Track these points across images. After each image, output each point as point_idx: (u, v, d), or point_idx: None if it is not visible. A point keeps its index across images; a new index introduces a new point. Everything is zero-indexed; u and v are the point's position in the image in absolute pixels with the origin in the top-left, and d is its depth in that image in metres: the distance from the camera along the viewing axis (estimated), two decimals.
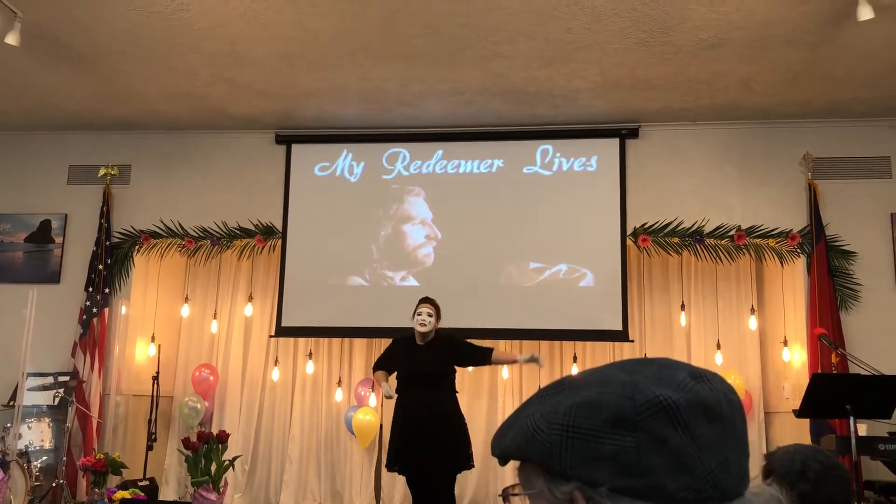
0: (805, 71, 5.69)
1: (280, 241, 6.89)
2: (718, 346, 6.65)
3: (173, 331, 7.38)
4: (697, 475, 0.69)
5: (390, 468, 5.10)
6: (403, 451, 4.97)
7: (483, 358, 5.22)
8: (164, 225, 6.99)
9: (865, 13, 4.60)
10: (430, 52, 5.55)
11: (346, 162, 6.95)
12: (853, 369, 5.43)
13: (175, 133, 7.15)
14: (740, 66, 5.64)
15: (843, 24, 5.02)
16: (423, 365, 5.05)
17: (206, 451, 5.64)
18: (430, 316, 5.15)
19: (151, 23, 5.25)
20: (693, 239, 6.43)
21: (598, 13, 4.99)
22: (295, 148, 7.02)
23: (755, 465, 1.26)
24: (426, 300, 5.27)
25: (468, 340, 5.35)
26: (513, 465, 0.79)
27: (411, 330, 5.20)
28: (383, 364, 5.28)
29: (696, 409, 0.70)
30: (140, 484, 5.76)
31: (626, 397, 0.70)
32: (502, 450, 0.77)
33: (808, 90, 5.99)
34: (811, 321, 6.03)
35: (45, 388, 6.54)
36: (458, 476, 5.09)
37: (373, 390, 6.81)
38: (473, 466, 5.15)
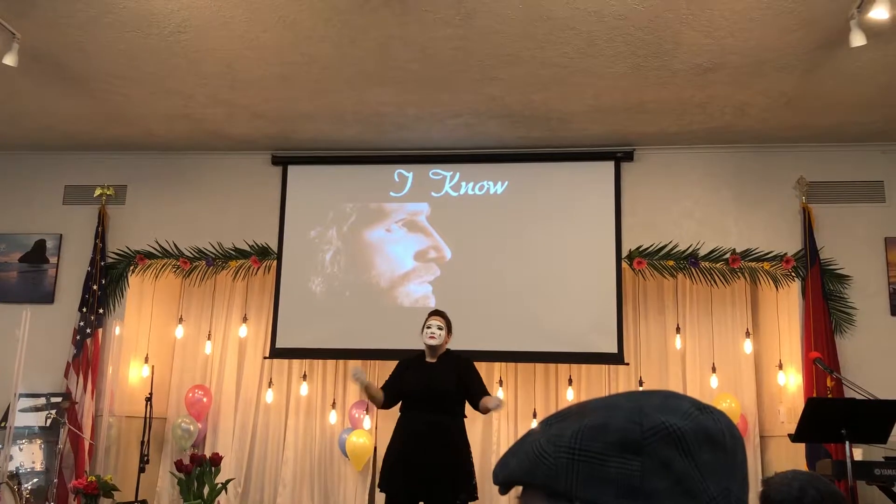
0: (798, 96, 5.73)
1: (275, 262, 6.88)
2: (714, 370, 6.64)
3: (167, 352, 7.35)
4: (700, 501, 0.70)
5: (382, 488, 4.76)
6: (397, 475, 4.65)
7: (476, 399, 4.83)
8: (160, 245, 6.98)
9: (858, 40, 4.64)
10: (426, 76, 5.58)
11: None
12: (848, 393, 5.43)
13: (171, 154, 7.16)
14: (735, 90, 5.68)
15: (836, 50, 5.06)
16: (433, 381, 4.75)
17: (198, 473, 5.61)
18: (440, 329, 4.88)
19: (149, 45, 5.27)
20: (688, 262, 6.44)
21: (593, 38, 5.03)
22: (291, 169, 7.03)
23: (752, 491, 1.25)
24: (436, 312, 5.03)
25: (477, 371, 5.00)
26: (512, 492, 0.79)
27: (419, 351, 5.00)
28: (388, 386, 4.94)
29: (699, 437, 0.71)
30: None
31: (633, 422, 0.71)
32: (506, 476, 0.77)
33: (802, 115, 6.04)
34: (806, 345, 6.03)
35: (37, 409, 6.50)
36: None
37: (367, 412, 6.78)
38: (477, 499, 4.83)
